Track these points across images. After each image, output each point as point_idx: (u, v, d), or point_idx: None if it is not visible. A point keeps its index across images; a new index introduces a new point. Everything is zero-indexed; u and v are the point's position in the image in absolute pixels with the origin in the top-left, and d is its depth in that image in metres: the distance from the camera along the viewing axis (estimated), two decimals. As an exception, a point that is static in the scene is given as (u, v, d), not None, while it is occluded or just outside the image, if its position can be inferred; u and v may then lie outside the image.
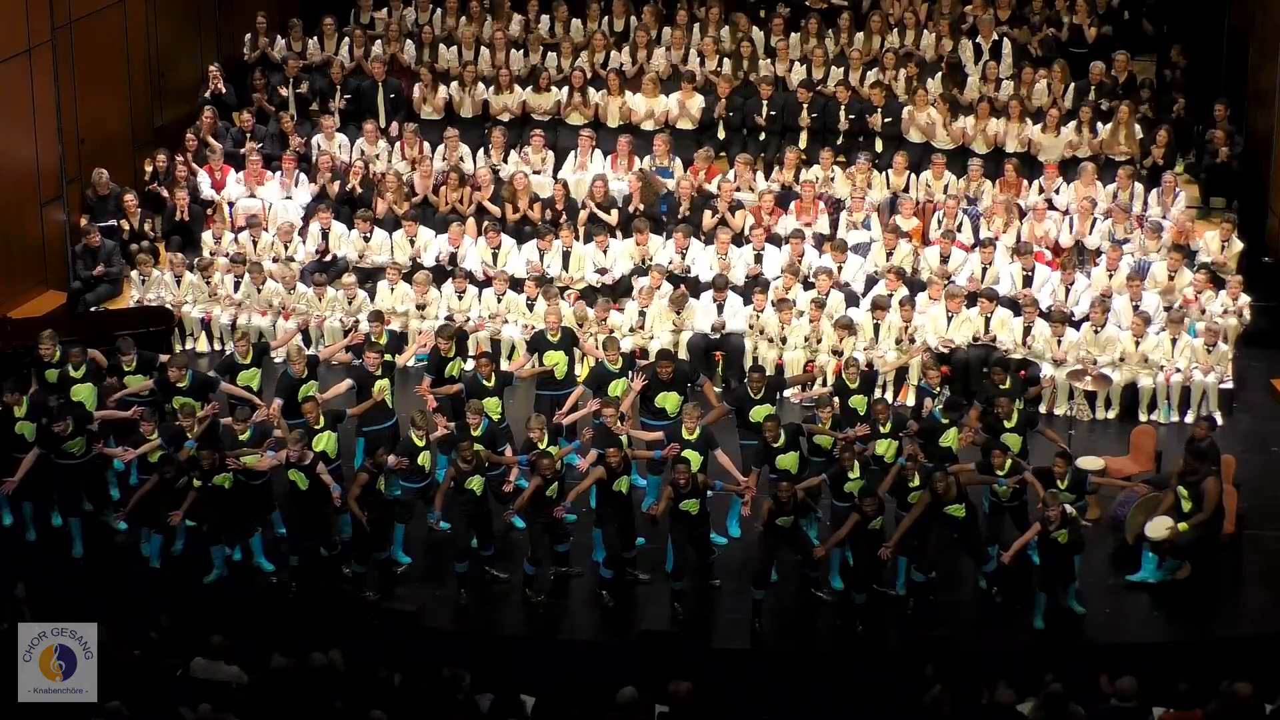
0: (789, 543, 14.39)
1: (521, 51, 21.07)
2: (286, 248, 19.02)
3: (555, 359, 16.13)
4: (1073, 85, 20.16)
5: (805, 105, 20.00)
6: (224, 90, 20.91)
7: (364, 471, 14.82)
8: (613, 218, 19.17)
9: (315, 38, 21.35)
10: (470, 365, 16.64)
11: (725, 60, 20.71)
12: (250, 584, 15.03)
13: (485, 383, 15.68)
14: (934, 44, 20.75)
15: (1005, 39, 20.74)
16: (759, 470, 14.93)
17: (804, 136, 20.00)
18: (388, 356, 16.03)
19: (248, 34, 21.41)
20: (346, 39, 21.24)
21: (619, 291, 18.33)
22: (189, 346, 18.42)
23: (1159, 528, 14.68)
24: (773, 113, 20.08)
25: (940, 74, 20.22)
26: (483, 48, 21.11)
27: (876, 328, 17.44)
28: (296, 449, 14.60)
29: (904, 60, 20.33)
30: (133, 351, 16.13)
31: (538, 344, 16.28)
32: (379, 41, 21.20)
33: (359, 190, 19.65)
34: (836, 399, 15.53)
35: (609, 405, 15.10)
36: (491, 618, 14.71)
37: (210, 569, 15.05)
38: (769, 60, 20.66)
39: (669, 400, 15.67)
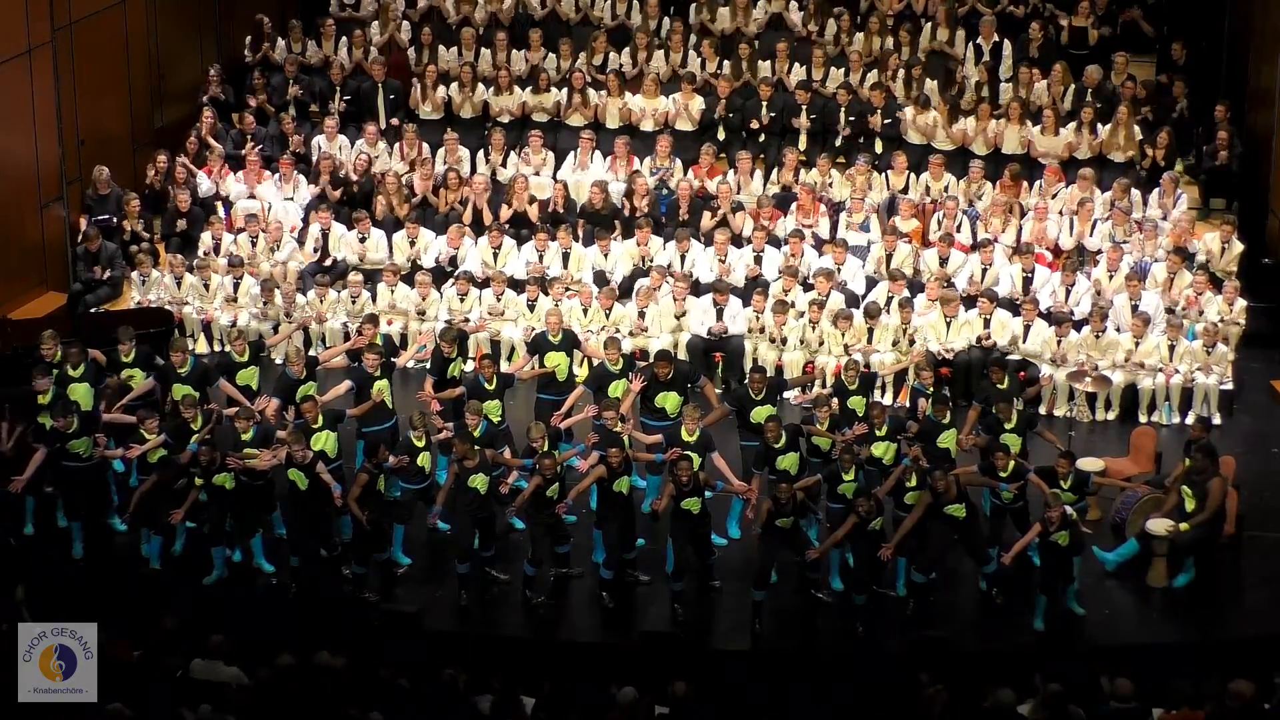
0: (789, 544, 14.38)
1: (522, 52, 21.10)
2: (275, 249, 18.98)
3: (556, 360, 16.12)
4: (1072, 87, 20.16)
5: (805, 106, 20.01)
6: (222, 95, 20.92)
7: (364, 472, 14.81)
8: (616, 231, 19.17)
9: (314, 39, 21.35)
10: (471, 367, 16.67)
11: (725, 62, 20.72)
12: (250, 585, 15.01)
13: (486, 385, 15.67)
14: (930, 36, 20.83)
15: (1005, 40, 20.76)
16: (760, 474, 14.93)
17: (803, 138, 20.03)
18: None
19: (248, 36, 21.41)
20: (345, 39, 21.25)
21: (620, 292, 18.31)
22: (189, 347, 18.38)
23: (1161, 526, 14.70)
24: (772, 114, 20.08)
25: (939, 78, 20.22)
26: (483, 49, 21.12)
27: (871, 332, 17.43)
28: (297, 448, 14.60)
29: (905, 62, 20.35)
30: (130, 340, 16.14)
31: (539, 346, 16.27)
32: (375, 24, 21.24)
33: (358, 186, 19.62)
34: (835, 400, 15.54)
35: (609, 407, 15.11)
36: (491, 618, 14.70)
37: (210, 569, 15.05)
38: (768, 61, 20.67)
39: (669, 400, 15.66)
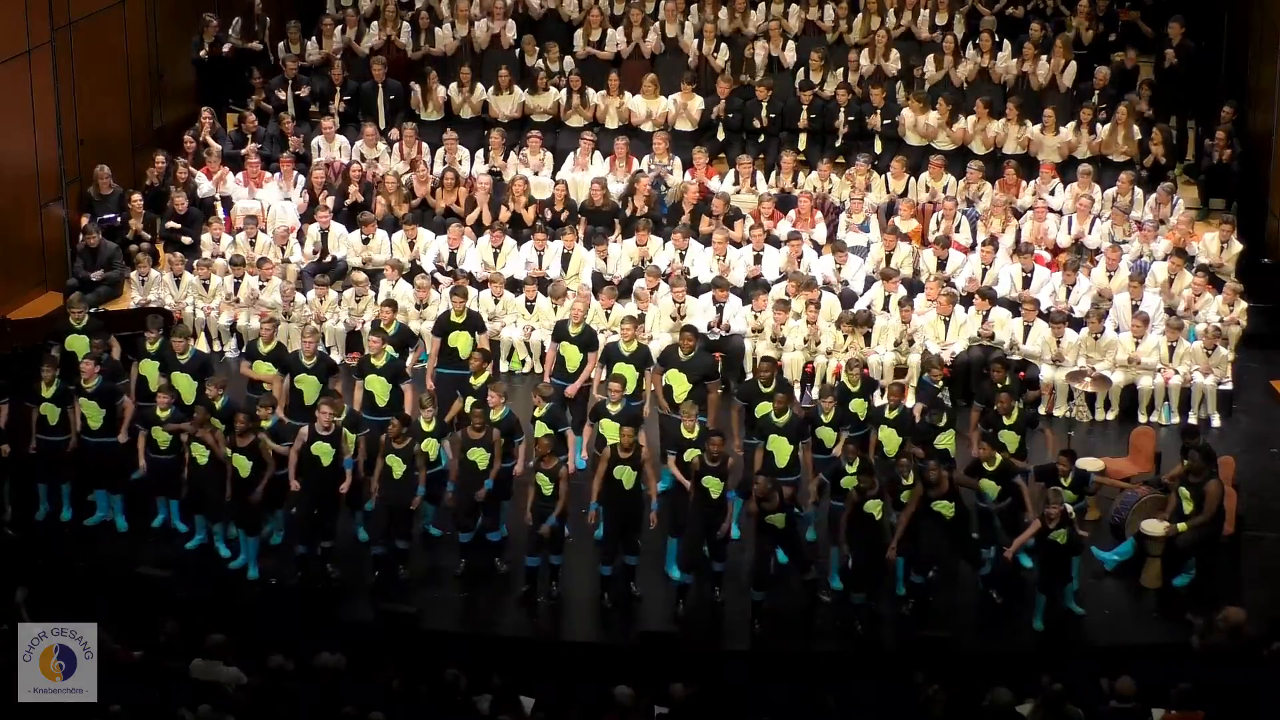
0: (783, 542, 14.32)
1: (516, 52, 21.10)
2: (283, 250, 19.02)
3: (568, 353, 16.14)
4: (1074, 64, 20.16)
5: (805, 107, 20.02)
6: (224, 50, 20.91)
7: (397, 421, 14.84)
8: (615, 232, 19.15)
9: (313, 38, 21.34)
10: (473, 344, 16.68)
11: (723, 44, 20.74)
12: (249, 587, 15.02)
13: (473, 380, 15.59)
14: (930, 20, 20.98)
15: (1005, 40, 20.75)
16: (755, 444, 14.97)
17: (803, 138, 20.04)
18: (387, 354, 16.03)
19: (235, 18, 21.43)
20: (341, 28, 21.28)
21: (620, 292, 18.28)
22: (193, 346, 18.36)
23: (1156, 527, 14.71)
24: (772, 115, 20.09)
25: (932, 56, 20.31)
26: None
27: (868, 335, 17.40)
28: (327, 410, 14.65)
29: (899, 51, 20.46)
30: (158, 330, 16.23)
31: (560, 334, 16.29)
32: (374, 24, 21.22)
33: (360, 197, 19.62)
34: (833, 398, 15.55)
35: (614, 379, 15.21)
36: (491, 618, 14.70)
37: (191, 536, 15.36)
38: (763, 40, 20.66)
39: (676, 380, 15.67)
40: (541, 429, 14.94)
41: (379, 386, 15.70)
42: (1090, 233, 18.72)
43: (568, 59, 20.98)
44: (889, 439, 15.18)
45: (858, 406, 15.58)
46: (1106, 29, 20.97)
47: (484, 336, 16.70)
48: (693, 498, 14.44)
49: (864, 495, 14.20)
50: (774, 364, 15.79)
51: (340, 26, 21.29)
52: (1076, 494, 14.71)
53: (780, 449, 14.84)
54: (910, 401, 16.77)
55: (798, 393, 17.07)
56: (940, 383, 15.89)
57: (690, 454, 14.62)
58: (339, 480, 14.83)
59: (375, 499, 14.89)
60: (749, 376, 16.47)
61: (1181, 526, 14.60)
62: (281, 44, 21.30)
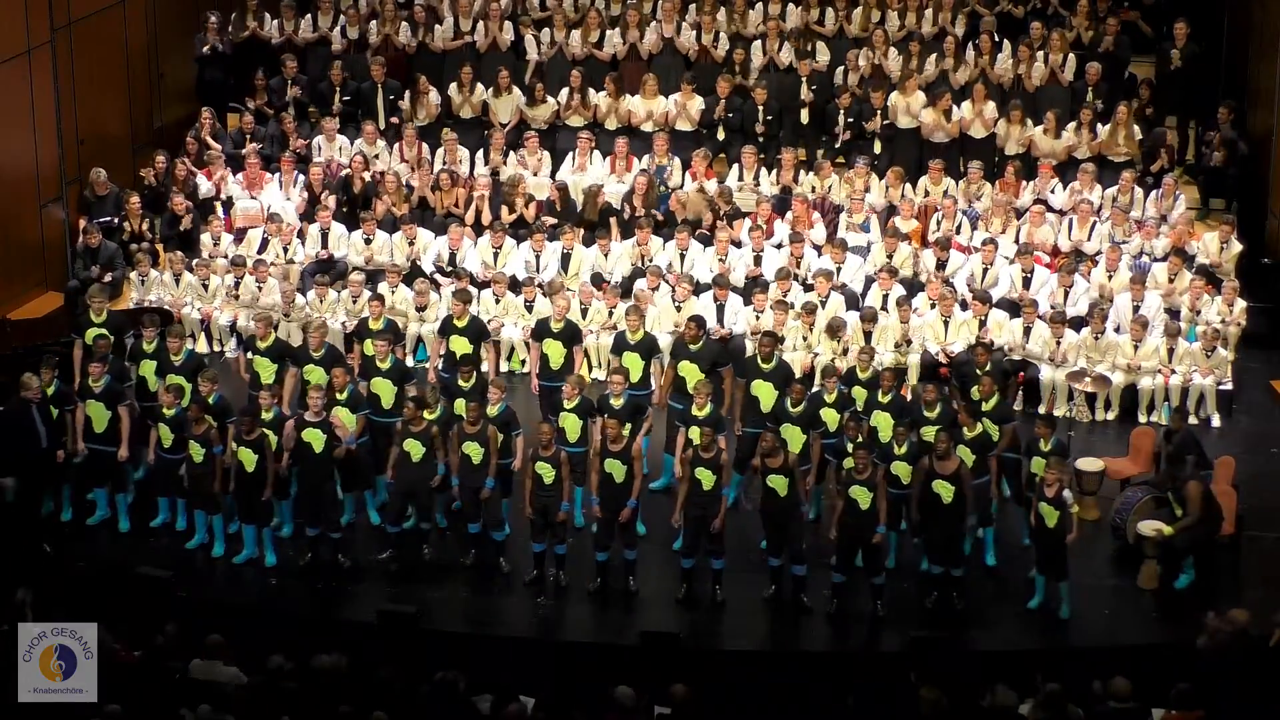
0: (786, 519, 14.32)
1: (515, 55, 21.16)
2: (286, 250, 19.02)
3: (629, 362, 16.02)
4: (1073, 57, 20.19)
5: (805, 110, 20.03)
6: (220, 46, 20.93)
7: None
8: (615, 233, 19.14)
9: (309, 16, 21.32)
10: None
11: (721, 34, 20.76)
12: (249, 587, 15.04)
13: (462, 383, 15.58)
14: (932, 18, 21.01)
15: (1005, 40, 20.75)
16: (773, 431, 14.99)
17: (802, 142, 20.04)
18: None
19: (234, 13, 21.42)
20: (342, 18, 21.26)
21: (620, 293, 18.28)
22: (188, 347, 18.35)
23: (1151, 528, 14.73)
24: (769, 117, 20.07)
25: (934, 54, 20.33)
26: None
27: (868, 335, 17.37)
28: (314, 403, 14.76)
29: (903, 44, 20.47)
30: (155, 328, 16.25)
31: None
32: (374, 22, 21.20)
33: (360, 192, 19.62)
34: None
35: (617, 371, 15.27)
36: (492, 618, 14.70)
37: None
38: (759, 41, 20.68)
39: (688, 371, 15.67)
40: (570, 420, 15.02)
41: (385, 389, 15.68)
42: (1090, 238, 18.70)
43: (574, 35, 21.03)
44: (884, 424, 15.20)
45: (858, 394, 15.60)
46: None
47: (487, 344, 16.69)
48: (685, 489, 14.49)
49: (850, 480, 14.18)
50: (775, 340, 15.84)
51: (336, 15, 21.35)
52: (1059, 458, 14.56)
53: (794, 438, 14.91)
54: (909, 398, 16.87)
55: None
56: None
57: (694, 433, 14.67)
58: (333, 465, 14.87)
59: (390, 484, 15.02)
60: (749, 353, 16.49)
61: (1167, 530, 14.63)
62: (275, 23, 21.29)
